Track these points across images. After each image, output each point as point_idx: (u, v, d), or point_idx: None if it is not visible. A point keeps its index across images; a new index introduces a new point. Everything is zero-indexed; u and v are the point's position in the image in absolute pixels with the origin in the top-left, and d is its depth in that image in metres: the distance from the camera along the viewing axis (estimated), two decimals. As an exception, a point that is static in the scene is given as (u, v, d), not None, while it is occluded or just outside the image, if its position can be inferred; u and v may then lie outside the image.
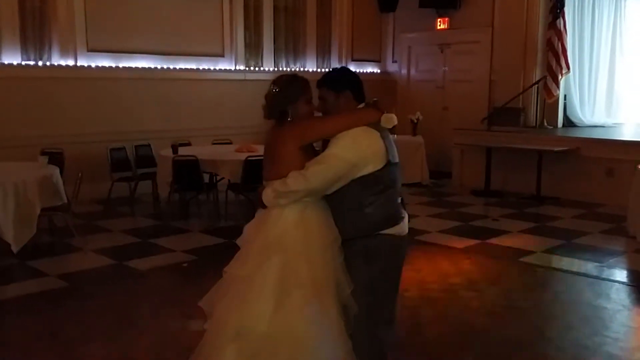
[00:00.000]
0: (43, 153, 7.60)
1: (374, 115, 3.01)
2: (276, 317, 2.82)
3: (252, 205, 8.20)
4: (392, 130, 3.17)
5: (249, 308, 2.86)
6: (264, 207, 3.00)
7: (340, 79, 3.15)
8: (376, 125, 3.00)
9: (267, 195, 2.95)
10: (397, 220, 3.07)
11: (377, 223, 3.00)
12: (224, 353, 2.86)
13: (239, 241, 3.17)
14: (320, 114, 3.14)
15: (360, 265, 2.98)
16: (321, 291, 2.88)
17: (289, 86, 3.05)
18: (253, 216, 3.14)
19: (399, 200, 3.14)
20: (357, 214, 2.98)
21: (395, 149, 3.09)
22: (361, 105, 3.12)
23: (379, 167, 2.97)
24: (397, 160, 3.08)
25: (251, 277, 2.90)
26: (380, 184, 2.99)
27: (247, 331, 2.84)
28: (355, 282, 2.96)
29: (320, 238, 2.95)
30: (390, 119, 3.01)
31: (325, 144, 3.03)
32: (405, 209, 3.18)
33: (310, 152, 3.02)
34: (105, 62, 9.48)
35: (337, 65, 12.41)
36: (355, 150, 2.93)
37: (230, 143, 9.43)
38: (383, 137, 3.00)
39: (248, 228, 3.14)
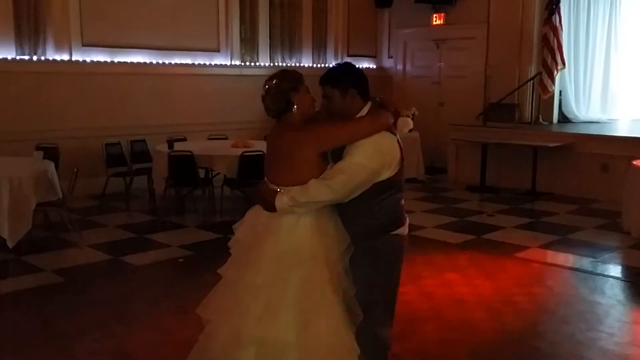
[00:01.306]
0: (38, 148, 7.58)
1: (391, 120, 2.95)
2: (304, 328, 2.82)
3: (247, 200, 8.22)
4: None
5: (272, 319, 2.82)
6: (270, 210, 2.91)
7: (346, 77, 3.02)
8: (391, 128, 2.97)
9: (283, 202, 2.85)
10: (403, 221, 3.08)
11: (384, 225, 2.99)
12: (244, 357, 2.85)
13: (231, 244, 3.11)
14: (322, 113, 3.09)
15: (364, 265, 2.96)
16: (336, 298, 2.88)
17: (285, 77, 3.00)
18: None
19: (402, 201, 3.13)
20: (367, 216, 2.96)
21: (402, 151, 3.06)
22: (367, 104, 3.02)
23: (394, 172, 2.95)
24: (403, 162, 3.05)
25: (265, 286, 2.85)
26: (393, 189, 2.98)
27: (272, 341, 2.83)
28: (358, 281, 2.95)
29: (336, 244, 2.93)
30: (407, 123, 3.01)
31: (338, 152, 2.95)
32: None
33: (325, 159, 2.95)
34: (100, 56, 9.45)
35: (333, 61, 12.43)
36: (378, 158, 2.88)
37: (226, 138, 9.42)
38: (399, 142, 2.98)
39: (242, 231, 3.08)
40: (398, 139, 3.00)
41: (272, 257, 2.88)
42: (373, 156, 2.86)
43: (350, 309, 2.93)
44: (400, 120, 2.98)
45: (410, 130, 10.69)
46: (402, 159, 2.99)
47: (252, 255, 2.94)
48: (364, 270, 2.95)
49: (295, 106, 2.95)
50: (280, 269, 2.86)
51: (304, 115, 2.99)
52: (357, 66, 3.14)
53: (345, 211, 2.97)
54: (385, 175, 2.92)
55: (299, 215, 2.88)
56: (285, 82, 2.97)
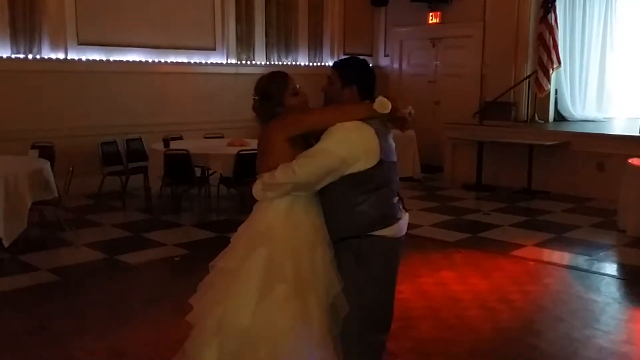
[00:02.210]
0: (33, 147, 7.57)
1: (366, 110, 2.88)
2: (257, 310, 2.78)
3: (243, 199, 8.22)
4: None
5: (231, 301, 2.82)
6: (255, 201, 2.97)
7: (352, 71, 3.04)
8: (374, 122, 2.89)
9: (257, 187, 2.92)
10: (391, 221, 2.94)
11: (369, 223, 2.89)
12: (208, 349, 2.83)
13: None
14: (321, 94, 3.08)
15: (351, 266, 2.89)
16: (305, 288, 2.82)
17: (268, 89, 3.00)
18: (247, 209, 3.12)
19: (396, 200, 3.01)
20: (348, 213, 2.89)
21: (392, 148, 2.99)
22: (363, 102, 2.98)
23: (370, 164, 2.85)
24: (392, 159, 2.97)
25: (237, 269, 2.86)
26: (371, 183, 2.88)
27: (229, 325, 2.81)
28: (345, 283, 2.87)
29: (308, 234, 2.90)
30: (383, 103, 2.85)
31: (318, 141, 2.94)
32: (404, 209, 3.07)
33: (301, 146, 2.93)
34: (95, 55, 9.43)
35: (329, 60, 12.46)
36: (346, 145, 2.83)
37: (222, 137, 9.40)
38: (379, 135, 2.88)
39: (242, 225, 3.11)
40: (383, 133, 2.92)
41: (244, 241, 2.93)
42: (340, 143, 2.83)
43: (335, 304, 2.88)
44: (377, 101, 2.91)
45: (407, 129, 10.69)
46: (383, 153, 2.89)
47: (231, 242, 3.01)
48: (349, 272, 2.89)
49: (281, 113, 2.98)
50: (249, 251, 2.87)
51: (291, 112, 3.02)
52: (371, 67, 3.14)
53: (326, 203, 2.94)
54: (358, 166, 2.85)
55: (272, 200, 2.91)
56: (268, 98, 2.99)
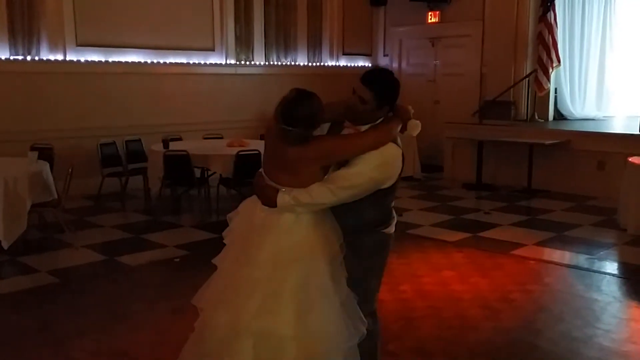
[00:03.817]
0: (33, 148, 7.54)
1: (395, 132, 2.93)
2: (300, 323, 2.82)
3: (243, 200, 8.19)
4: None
5: (270, 312, 2.84)
6: (270, 205, 2.90)
7: (388, 92, 2.91)
8: (398, 139, 2.97)
9: (285, 201, 2.85)
10: (391, 220, 3.10)
11: (373, 223, 3.02)
12: (240, 353, 2.85)
13: (225, 234, 3.12)
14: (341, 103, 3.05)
15: (349, 259, 2.98)
16: (335, 293, 2.89)
17: (310, 125, 2.82)
18: None
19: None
20: (358, 215, 2.98)
21: None
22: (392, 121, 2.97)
23: (393, 182, 2.98)
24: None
25: (267, 281, 2.86)
26: (388, 194, 3.01)
27: (269, 334, 2.84)
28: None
29: (334, 240, 2.94)
30: (416, 127, 2.95)
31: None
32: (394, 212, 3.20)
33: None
34: (94, 56, 9.42)
35: (328, 60, 12.47)
36: (384, 170, 2.91)
37: (222, 138, 9.39)
38: (403, 154, 2.99)
39: (237, 222, 3.09)
40: (399, 145, 2.98)
41: (271, 253, 2.90)
42: (378, 168, 2.88)
43: (347, 299, 2.95)
44: (411, 123, 2.94)
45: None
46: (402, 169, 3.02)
47: (252, 251, 2.94)
48: (348, 265, 2.97)
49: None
50: (279, 264, 2.87)
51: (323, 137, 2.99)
52: (398, 83, 2.98)
53: (339, 210, 2.98)
54: (387, 184, 2.95)
55: (298, 213, 2.90)
56: (311, 125, 2.84)
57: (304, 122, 2.80)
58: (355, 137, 2.92)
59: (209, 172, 8.37)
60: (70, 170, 6.55)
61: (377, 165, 2.87)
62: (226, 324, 2.90)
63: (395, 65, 13.26)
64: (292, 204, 2.85)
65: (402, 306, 4.93)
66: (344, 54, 12.87)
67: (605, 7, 12.46)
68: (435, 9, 12.38)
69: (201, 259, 6.09)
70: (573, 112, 11.99)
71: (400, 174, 3.03)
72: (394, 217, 3.14)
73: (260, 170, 3.07)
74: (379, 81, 2.90)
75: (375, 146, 2.86)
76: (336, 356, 2.87)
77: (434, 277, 5.80)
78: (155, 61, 10.05)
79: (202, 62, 10.65)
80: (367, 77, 2.87)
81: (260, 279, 2.88)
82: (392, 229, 3.13)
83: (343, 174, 2.87)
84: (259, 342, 2.85)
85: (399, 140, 2.98)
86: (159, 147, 8.28)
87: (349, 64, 12.90)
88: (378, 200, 2.98)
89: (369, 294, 3.12)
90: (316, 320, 2.84)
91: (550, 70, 10.95)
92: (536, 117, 11.37)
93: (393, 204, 3.14)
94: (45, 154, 7.44)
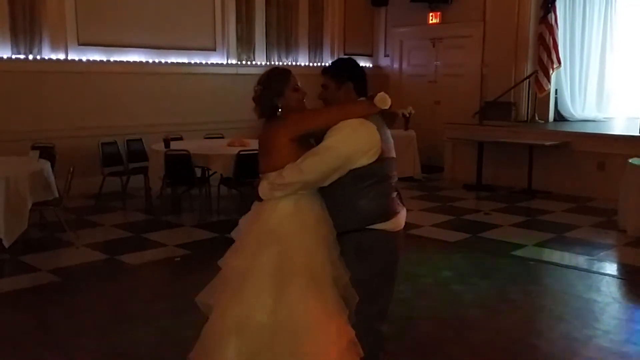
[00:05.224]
0: (34, 147, 7.55)
1: (368, 107, 2.98)
2: (276, 307, 2.82)
3: (244, 199, 8.22)
4: (391, 125, 3.15)
5: (247, 300, 2.85)
6: (260, 200, 2.99)
7: (344, 70, 3.13)
8: (374, 118, 2.98)
9: (263, 187, 2.95)
10: (390, 215, 3.03)
11: (369, 217, 2.98)
12: (226, 347, 2.85)
13: (233, 234, 3.17)
14: (319, 102, 3.13)
15: (351, 259, 2.98)
16: (319, 281, 2.87)
17: (271, 81, 3.05)
18: (248, 209, 3.14)
19: (395, 194, 3.10)
20: (349, 207, 2.97)
21: (391, 143, 3.08)
22: (361, 99, 3.08)
23: (372, 159, 2.95)
24: (392, 154, 3.06)
25: (248, 268, 2.90)
26: (372, 178, 2.97)
27: (248, 323, 2.84)
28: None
29: (315, 229, 2.95)
30: (384, 99, 2.96)
31: (320, 139, 2.99)
32: (402, 204, 3.15)
33: (306, 144, 3.00)
34: (96, 56, 9.43)
35: (329, 60, 12.42)
36: (351, 142, 2.92)
37: (222, 137, 9.40)
38: (380, 131, 2.98)
39: (243, 221, 3.14)
40: (383, 129, 3.01)
41: (253, 240, 2.96)
42: (346, 140, 2.91)
43: (345, 295, 2.93)
44: (378, 95, 2.98)
45: (407, 129, 10.74)
46: (384, 148, 2.99)
47: (238, 241, 3.06)
48: (351, 266, 2.97)
49: (280, 109, 3.01)
50: (258, 250, 2.91)
51: (292, 112, 3.04)
52: (358, 63, 3.23)
53: (329, 198, 3.00)
54: (362, 161, 2.94)
55: (279, 199, 2.95)
56: (270, 88, 3.04)
57: (263, 80, 3.05)
58: (321, 109, 3.11)
59: (210, 172, 8.38)
60: (71, 169, 6.56)
61: (344, 137, 2.90)
62: (216, 320, 2.93)
63: (396, 65, 13.27)
64: (268, 189, 2.93)
65: (402, 306, 4.93)
66: (345, 54, 12.84)
67: (605, 8, 12.48)
68: (436, 9, 12.39)
69: (202, 258, 6.12)
70: (573, 113, 12.01)
71: (385, 158, 2.99)
72: (397, 212, 3.06)
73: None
74: (333, 65, 3.21)
75: (339, 117, 2.95)
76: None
77: (434, 277, 5.81)
78: (156, 61, 10.06)
79: (204, 61, 10.66)
80: (324, 68, 3.20)
81: (244, 268, 2.91)
82: (396, 225, 3.06)
83: (312, 150, 2.94)
84: (244, 337, 2.84)
85: (374, 119, 2.99)
86: (160, 146, 8.28)
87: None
88: (357, 184, 2.94)
89: (375, 294, 3.06)
90: (288, 304, 2.82)
91: (551, 71, 10.96)
92: (536, 118, 11.38)
93: (394, 196, 3.08)
94: (46, 152, 7.46)
